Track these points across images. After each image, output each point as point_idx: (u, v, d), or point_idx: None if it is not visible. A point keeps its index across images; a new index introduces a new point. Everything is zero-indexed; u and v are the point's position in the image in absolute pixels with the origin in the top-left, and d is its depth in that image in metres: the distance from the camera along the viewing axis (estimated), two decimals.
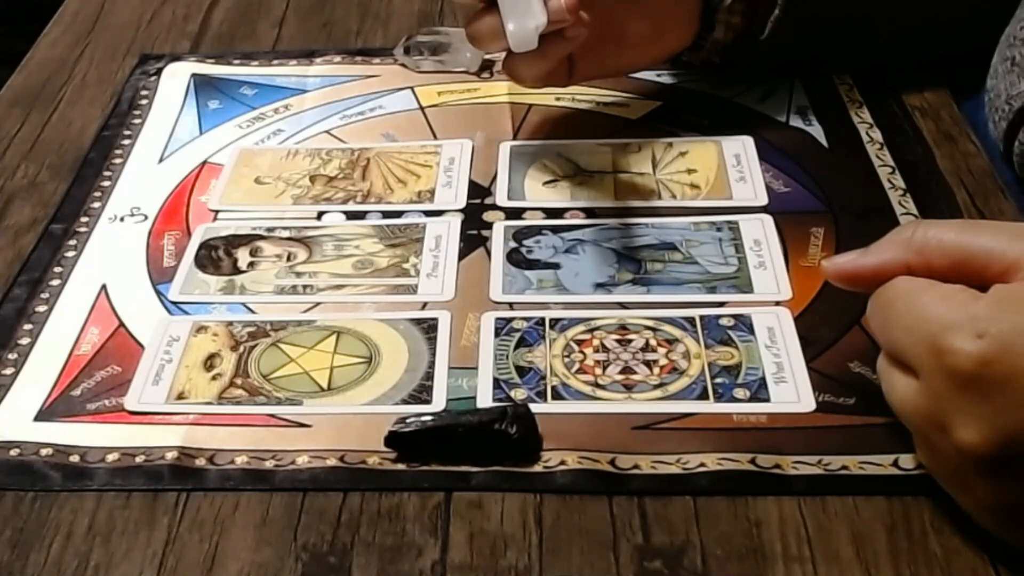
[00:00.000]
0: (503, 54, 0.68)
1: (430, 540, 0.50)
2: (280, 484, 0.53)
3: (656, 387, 0.57)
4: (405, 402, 0.56)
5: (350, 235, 0.68)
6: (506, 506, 0.51)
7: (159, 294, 0.64)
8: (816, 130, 0.75)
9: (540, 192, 0.71)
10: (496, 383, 0.57)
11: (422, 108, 0.80)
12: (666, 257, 0.65)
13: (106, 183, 0.73)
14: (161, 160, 0.76)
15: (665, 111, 0.78)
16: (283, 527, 0.51)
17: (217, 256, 0.67)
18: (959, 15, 0.76)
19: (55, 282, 0.65)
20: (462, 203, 0.70)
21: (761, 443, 0.53)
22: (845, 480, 0.51)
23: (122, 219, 0.70)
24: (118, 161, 0.76)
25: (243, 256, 0.67)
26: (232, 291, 0.64)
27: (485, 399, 0.56)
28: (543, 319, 0.61)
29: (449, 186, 0.72)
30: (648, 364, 0.58)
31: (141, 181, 0.74)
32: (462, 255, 0.66)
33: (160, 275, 0.66)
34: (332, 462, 0.53)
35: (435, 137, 0.77)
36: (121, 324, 0.62)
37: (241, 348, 0.60)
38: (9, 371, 0.60)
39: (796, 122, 0.76)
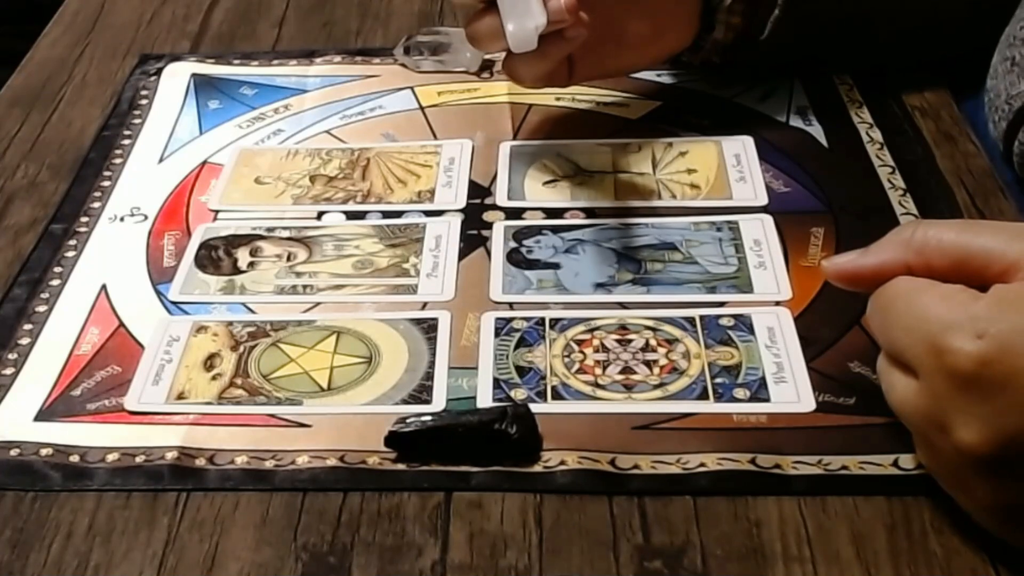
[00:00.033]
0: (503, 54, 0.68)
1: (430, 540, 0.50)
2: (280, 484, 0.53)
3: (656, 387, 0.57)
4: (405, 402, 0.56)
5: (350, 235, 0.68)
6: (506, 506, 0.51)
7: (159, 294, 0.64)
8: (816, 130, 0.75)
9: (540, 192, 0.71)
10: (496, 383, 0.57)
11: (422, 108, 0.80)
12: (666, 257, 0.65)
13: (106, 183, 0.74)
14: (161, 160, 0.76)
15: (665, 111, 0.78)
16: (283, 527, 0.51)
17: (217, 256, 0.67)
18: (959, 15, 0.76)
19: (55, 282, 0.65)
20: (462, 203, 0.70)
21: (761, 443, 0.53)
22: (845, 480, 0.51)
23: (122, 219, 0.70)
24: (118, 161, 0.76)
25: (243, 256, 0.67)
26: (232, 291, 0.64)
27: (485, 399, 0.56)
28: (543, 319, 0.61)
29: (449, 186, 0.72)
30: (648, 364, 0.58)
31: (141, 181, 0.74)
32: (462, 255, 0.66)
33: (160, 275, 0.66)
34: (332, 462, 0.53)
35: (435, 137, 0.77)
36: (121, 324, 0.62)
37: (241, 348, 0.60)
38: (9, 371, 0.60)
39: (796, 122, 0.76)
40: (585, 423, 0.55)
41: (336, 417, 0.56)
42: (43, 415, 0.57)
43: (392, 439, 0.53)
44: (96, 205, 0.71)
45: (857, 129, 0.75)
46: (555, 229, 0.68)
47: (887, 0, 0.75)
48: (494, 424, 0.53)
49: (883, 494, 0.51)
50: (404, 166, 0.74)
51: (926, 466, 0.50)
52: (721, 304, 0.61)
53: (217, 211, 0.71)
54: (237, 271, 0.66)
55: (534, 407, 0.54)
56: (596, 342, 0.59)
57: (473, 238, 0.67)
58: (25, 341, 0.61)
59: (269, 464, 0.54)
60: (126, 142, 0.78)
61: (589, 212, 0.69)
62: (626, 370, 0.58)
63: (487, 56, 0.82)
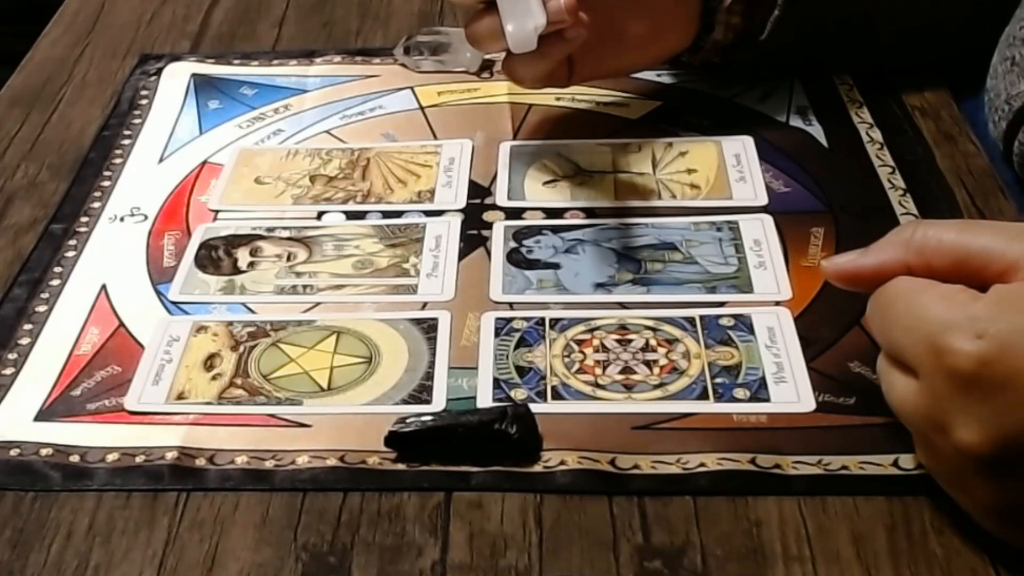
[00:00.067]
0: (503, 54, 0.68)
1: (430, 540, 0.50)
2: (280, 484, 0.53)
3: (656, 387, 0.57)
4: (405, 402, 0.56)
5: (350, 235, 0.68)
6: (506, 506, 0.51)
7: (159, 294, 0.64)
8: (816, 130, 0.75)
9: (540, 192, 0.71)
10: (496, 383, 0.57)
11: (422, 108, 0.80)
12: (666, 257, 0.65)
13: (106, 183, 0.74)
14: (161, 160, 0.76)
15: (665, 111, 0.78)
16: (283, 527, 0.51)
17: (217, 256, 0.67)
18: (959, 15, 0.76)
19: (55, 282, 0.65)
20: (462, 203, 0.70)
21: (761, 443, 0.53)
22: (845, 480, 0.51)
23: (122, 219, 0.70)
24: (118, 161, 0.76)
25: (243, 256, 0.67)
26: (232, 291, 0.64)
27: (485, 399, 0.56)
28: (543, 319, 0.61)
29: (449, 186, 0.72)
30: (648, 364, 0.58)
31: (141, 181, 0.74)
32: (462, 255, 0.66)
33: (160, 275, 0.66)
34: (332, 462, 0.53)
35: (435, 137, 0.77)
36: (121, 324, 0.62)
37: (241, 348, 0.60)
38: (9, 371, 0.60)
39: (796, 122, 0.76)
40: (585, 423, 0.55)
41: (336, 417, 0.56)
42: (43, 415, 0.57)
43: (392, 439, 0.53)
44: (96, 205, 0.71)
45: (857, 129, 0.75)
46: (555, 229, 0.68)
47: (887, 0, 0.75)
48: (494, 424, 0.53)
49: (883, 494, 0.51)
50: (404, 166, 0.74)
51: (926, 466, 0.50)
52: (721, 304, 0.61)
53: (217, 211, 0.71)
54: (237, 271, 0.66)
55: (534, 407, 0.54)
56: (596, 342, 0.59)
57: (473, 238, 0.67)
58: (25, 341, 0.61)
59: (269, 464, 0.54)
60: (126, 142, 0.78)
61: (589, 212, 0.69)
62: (626, 370, 0.58)
63: (487, 56, 0.82)
